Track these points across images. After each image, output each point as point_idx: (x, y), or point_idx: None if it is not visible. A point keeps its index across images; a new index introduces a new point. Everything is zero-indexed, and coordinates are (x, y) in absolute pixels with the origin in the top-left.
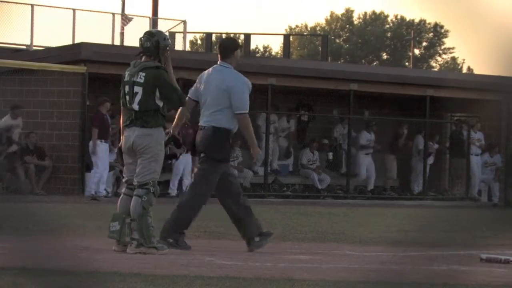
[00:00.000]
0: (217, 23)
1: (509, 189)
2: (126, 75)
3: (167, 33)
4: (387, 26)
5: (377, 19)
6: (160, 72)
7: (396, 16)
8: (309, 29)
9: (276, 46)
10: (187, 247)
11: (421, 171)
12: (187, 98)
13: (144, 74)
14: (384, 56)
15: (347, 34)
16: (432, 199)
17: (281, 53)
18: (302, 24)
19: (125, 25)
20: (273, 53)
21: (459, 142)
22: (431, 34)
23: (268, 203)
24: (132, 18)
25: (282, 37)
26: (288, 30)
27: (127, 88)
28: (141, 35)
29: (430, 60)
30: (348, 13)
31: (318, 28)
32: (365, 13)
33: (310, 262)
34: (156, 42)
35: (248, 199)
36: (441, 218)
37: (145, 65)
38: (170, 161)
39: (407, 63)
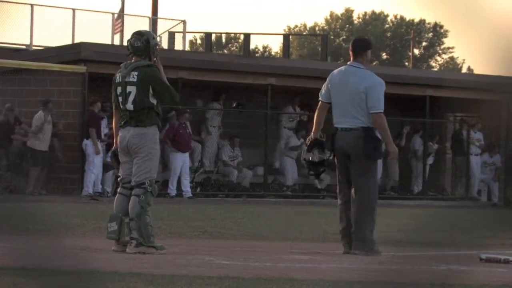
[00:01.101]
0: (216, 23)
1: (508, 189)
2: (118, 77)
3: (166, 33)
4: (387, 26)
5: (377, 19)
6: (153, 69)
7: (395, 16)
8: (308, 29)
9: (275, 46)
10: (380, 251)
11: (421, 171)
12: (319, 101)
13: (136, 73)
14: (384, 56)
15: (347, 34)
16: (431, 199)
17: (281, 53)
18: (301, 24)
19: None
20: (273, 53)
21: (461, 141)
22: (430, 34)
23: (268, 202)
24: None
25: (281, 37)
26: (287, 30)
27: (119, 90)
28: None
29: (429, 60)
30: (348, 12)
31: (317, 28)
32: (365, 12)
33: (309, 262)
34: (146, 41)
35: (248, 199)
36: (440, 218)
37: (137, 64)
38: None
39: (406, 63)
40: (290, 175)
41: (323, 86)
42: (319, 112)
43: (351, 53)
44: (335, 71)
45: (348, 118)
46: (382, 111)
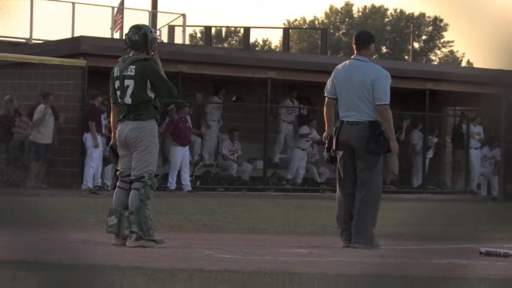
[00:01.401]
0: (216, 16)
1: (508, 183)
2: (116, 71)
3: (166, 27)
4: (387, 19)
5: (377, 12)
6: (150, 63)
7: (395, 10)
8: (307, 22)
9: (275, 39)
10: (380, 245)
11: (421, 165)
12: (325, 97)
13: (134, 66)
14: (384, 49)
15: (347, 28)
16: (431, 192)
17: (281, 47)
18: (301, 18)
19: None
20: (273, 47)
21: (461, 135)
22: (430, 28)
23: (267, 196)
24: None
25: (281, 30)
26: (287, 23)
27: (117, 83)
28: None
29: (429, 53)
30: (348, 6)
31: (316, 22)
32: (365, 6)
33: (309, 255)
34: (143, 35)
35: (247, 192)
36: (440, 212)
37: (135, 58)
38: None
39: (406, 57)
40: (295, 169)
41: (328, 81)
42: (327, 109)
43: (354, 46)
44: (339, 66)
45: (355, 112)
46: (388, 103)
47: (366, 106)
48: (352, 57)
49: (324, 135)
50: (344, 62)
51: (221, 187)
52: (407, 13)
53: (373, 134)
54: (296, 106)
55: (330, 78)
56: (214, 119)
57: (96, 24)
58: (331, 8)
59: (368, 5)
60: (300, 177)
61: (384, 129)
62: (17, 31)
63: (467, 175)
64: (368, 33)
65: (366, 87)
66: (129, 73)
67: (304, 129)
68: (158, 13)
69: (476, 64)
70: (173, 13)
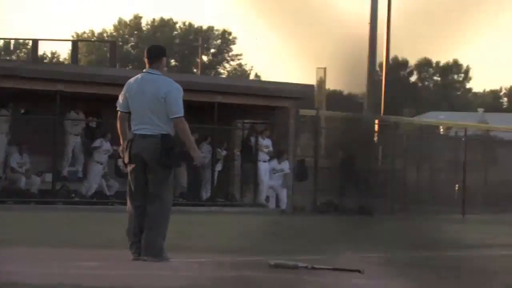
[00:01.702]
0: (4, 28)
1: (296, 196)
2: None
3: None
4: (176, 32)
5: (166, 25)
6: None
7: (184, 23)
8: (96, 35)
9: (64, 52)
10: (169, 258)
11: (209, 178)
12: (118, 112)
13: None
14: (173, 62)
15: (136, 40)
16: (221, 205)
17: (69, 59)
18: (89, 30)
19: None
20: (61, 59)
21: (250, 148)
22: (219, 41)
23: (56, 209)
24: None
25: (70, 43)
26: (76, 36)
27: None
28: None
29: (218, 66)
30: (137, 19)
31: (105, 35)
32: (154, 19)
33: (99, 268)
34: None
35: (37, 205)
36: (230, 225)
37: None
38: None
39: (195, 70)
40: (90, 183)
41: (120, 96)
42: (120, 122)
43: (146, 60)
44: (132, 79)
45: (148, 125)
46: (182, 115)
47: (159, 120)
48: (144, 70)
49: (120, 149)
50: (136, 76)
51: (10, 200)
52: (195, 26)
53: (165, 147)
54: (82, 119)
55: (122, 92)
56: (2, 132)
57: None
58: (119, 21)
59: (157, 18)
60: (92, 190)
61: (183, 141)
62: None
63: (255, 188)
64: (159, 47)
65: (158, 100)
66: None
67: (97, 142)
68: None
69: (264, 77)
70: None
